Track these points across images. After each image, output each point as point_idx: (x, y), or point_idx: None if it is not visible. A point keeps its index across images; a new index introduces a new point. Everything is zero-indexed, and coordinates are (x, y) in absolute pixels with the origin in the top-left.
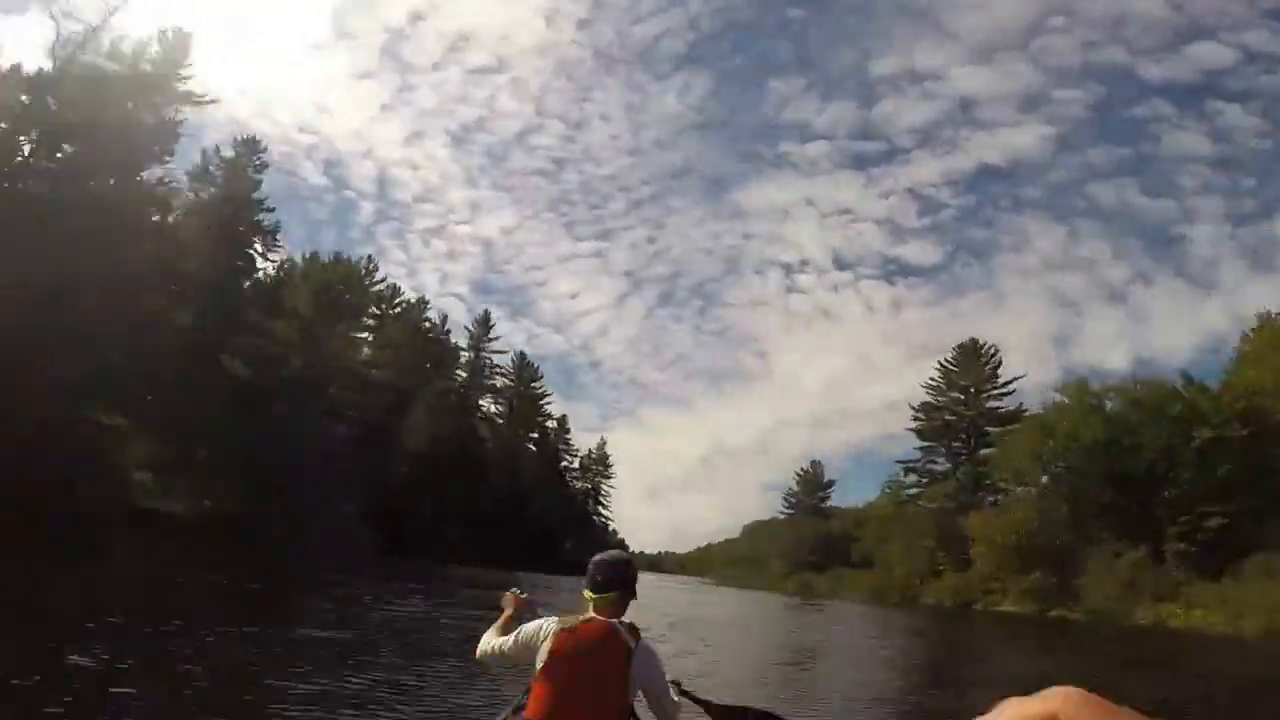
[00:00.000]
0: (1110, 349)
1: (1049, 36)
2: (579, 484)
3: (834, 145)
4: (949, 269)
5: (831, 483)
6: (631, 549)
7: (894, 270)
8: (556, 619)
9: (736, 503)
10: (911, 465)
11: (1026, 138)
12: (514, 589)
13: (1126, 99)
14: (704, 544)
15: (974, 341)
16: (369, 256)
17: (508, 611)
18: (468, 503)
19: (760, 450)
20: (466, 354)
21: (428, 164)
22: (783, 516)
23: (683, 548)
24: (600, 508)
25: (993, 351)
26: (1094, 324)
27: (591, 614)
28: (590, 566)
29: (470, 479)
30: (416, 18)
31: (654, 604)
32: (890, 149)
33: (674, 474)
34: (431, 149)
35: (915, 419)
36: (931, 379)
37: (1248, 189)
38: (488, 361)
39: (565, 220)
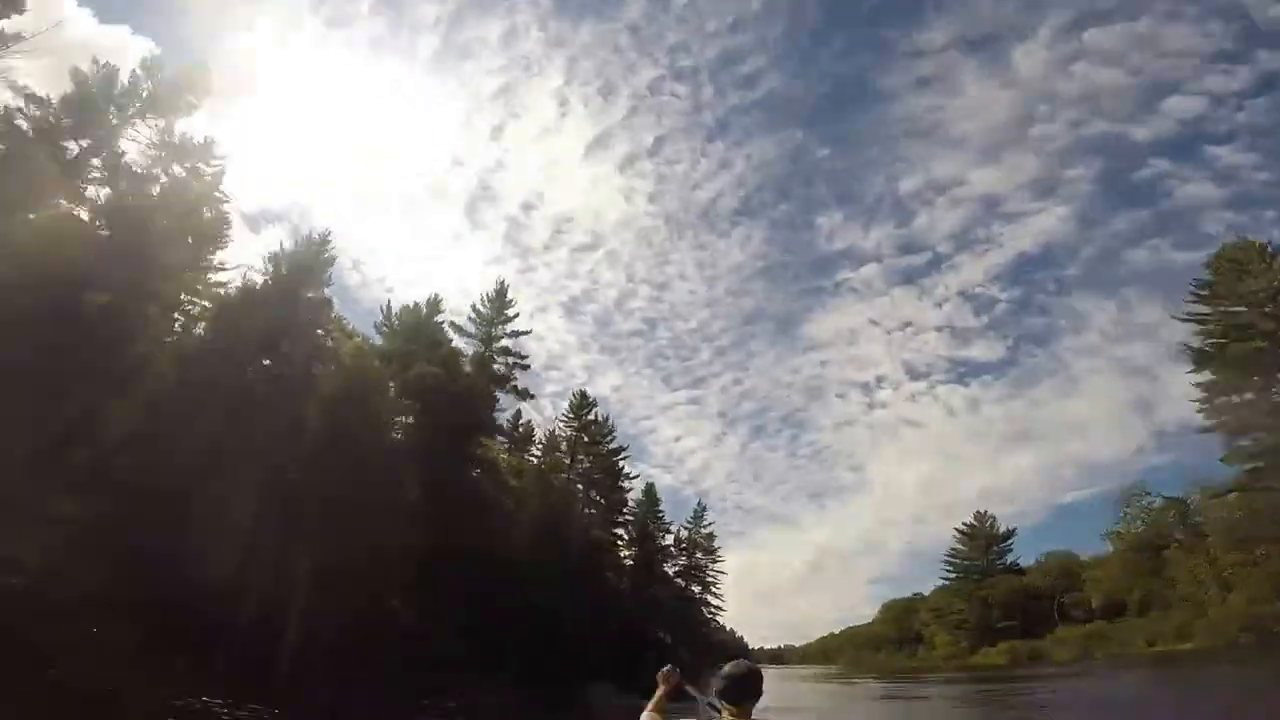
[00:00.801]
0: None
1: (1040, 125)
2: (676, 565)
3: (883, 265)
4: (1016, 361)
5: (1012, 534)
6: (749, 644)
7: (965, 371)
8: None
9: (846, 598)
10: None
11: (1050, 220)
12: (668, 665)
13: (1128, 165)
14: (824, 634)
15: None
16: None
17: (661, 689)
18: (475, 586)
19: (865, 551)
20: (472, 345)
21: (550, 335)
22: (946, 583)
23: (800, 641)
24: (710, 596)
25: None
26: (1171, 385)
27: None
28: (722, 680)
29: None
30: (528, 207)
31: None
32: (934, 257)
33: (784, 580)
34: (551, 320)
35: None
36: None
37: (1270, 220)
38: (504, 364)
39: (663, 374)
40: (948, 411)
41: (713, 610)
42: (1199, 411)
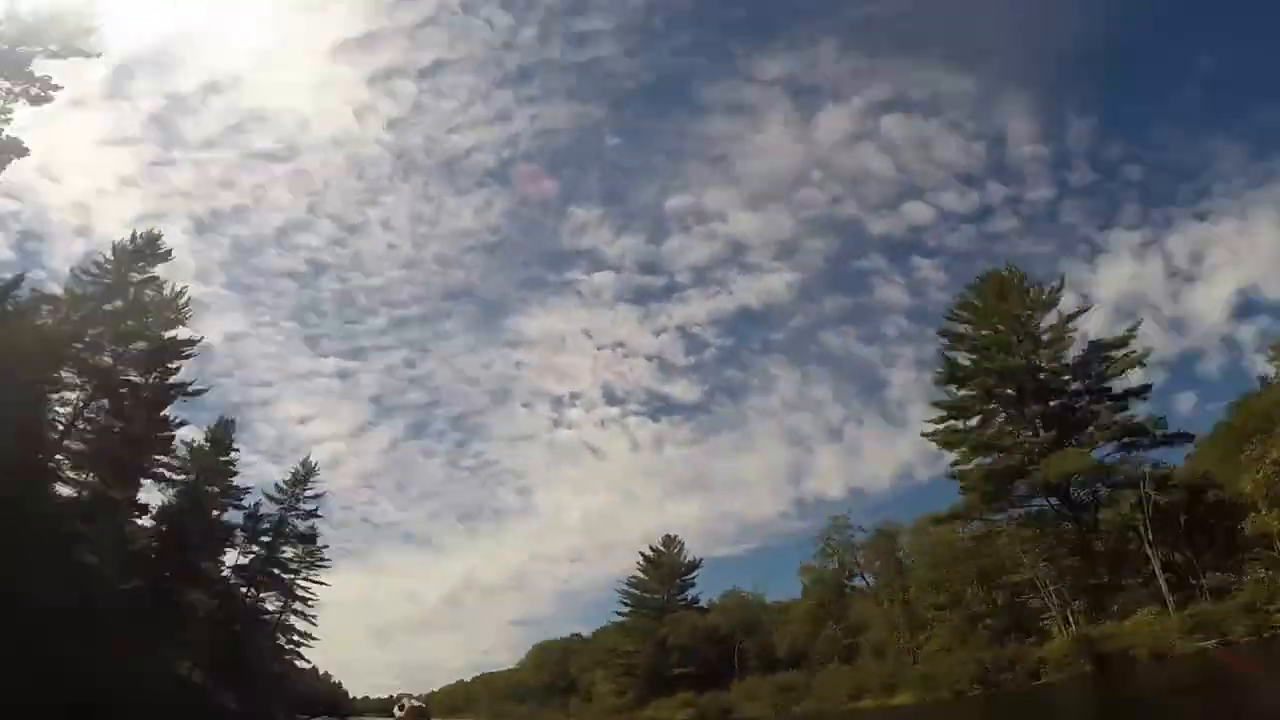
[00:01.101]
0: (831, 481)
1: (808, 189)
2: (245, 556)
3: (620, 277)
4: (707, 408)
5: (698, 565)
6: (351, 693)
7: (660, 408)
8: None
9: (484, 640)
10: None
11: (779, 283)
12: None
13: (855, 251)
14: (451, 682)
15: None
16: None
17: None
18: None
19: (514, 586)
20: None
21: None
22: (623, 619)
23: (419, 689)
24: (296, 616)
25: None
26: (819, 459)
27: None
28: None
29: None
30: (211, 89)
31: None
32: (670, 284)
33: (410, 615)
34: (170, 232)
35: None
36: None
37: (931, 337)
38: None
39: (311, 332)
40: (632, 445)
41: (298, 640)
42: (931, 435)
